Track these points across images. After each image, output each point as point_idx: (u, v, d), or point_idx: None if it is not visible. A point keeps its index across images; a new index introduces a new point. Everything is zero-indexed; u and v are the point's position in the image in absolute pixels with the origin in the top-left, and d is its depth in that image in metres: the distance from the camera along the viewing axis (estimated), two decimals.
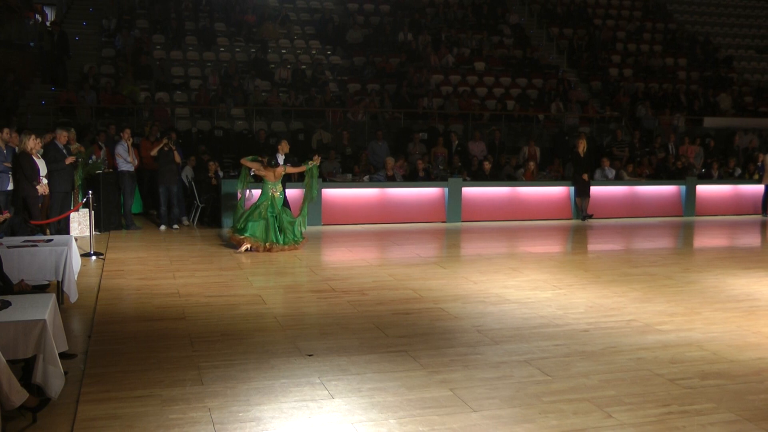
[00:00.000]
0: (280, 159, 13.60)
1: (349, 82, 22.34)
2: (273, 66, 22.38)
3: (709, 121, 23.63)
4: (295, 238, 12.65)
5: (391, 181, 16.71)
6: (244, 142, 18.83)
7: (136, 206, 15.74)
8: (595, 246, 14.42)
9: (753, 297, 9.59)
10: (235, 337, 7.56)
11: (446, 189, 16.63)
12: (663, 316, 8.49)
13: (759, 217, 18.63)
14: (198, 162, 16.36)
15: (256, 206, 12.56)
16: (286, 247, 12.47)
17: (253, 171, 12.79)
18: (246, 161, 12.78)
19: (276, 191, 12.59)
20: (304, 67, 22.51)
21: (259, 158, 12.79)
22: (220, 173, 16.08)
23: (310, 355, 6.87)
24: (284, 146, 13.93)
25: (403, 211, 16.45)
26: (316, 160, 13.08)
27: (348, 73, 23.00)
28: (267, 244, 12.37)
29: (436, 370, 6.52)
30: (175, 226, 14.98)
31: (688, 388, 6.19)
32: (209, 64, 22.22)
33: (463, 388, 6.10)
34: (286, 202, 13.06)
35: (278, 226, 12.50)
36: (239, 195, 13.07)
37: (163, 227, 14.82)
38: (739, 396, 6.04)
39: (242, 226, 12.46)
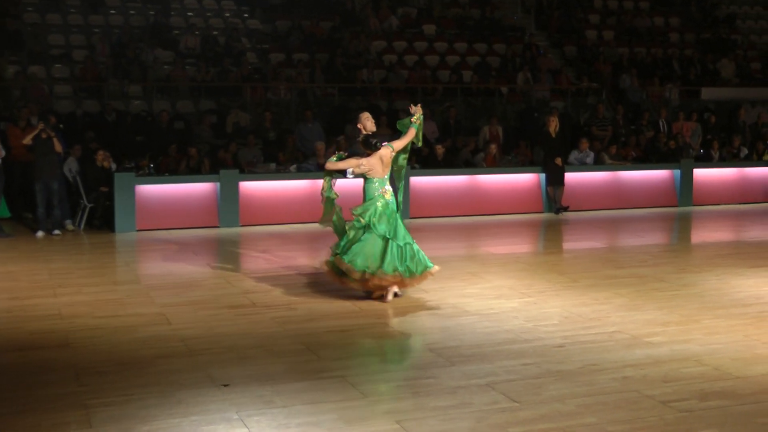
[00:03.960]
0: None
1: (271, 51, 22.25)
2: (177, 33, 22.22)
3: (707, 93, 23.94)
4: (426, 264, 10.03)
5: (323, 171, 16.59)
6: (143, 126, 18.61)
7: (3, 209, 15.47)
8: (571, 244, 14.57)
9: (763, 300, 9.75)
10: (132, 366, 7.46)
11: None
12: (654, 326, 8.58)
13: None
14: (84, 152, 16.12)
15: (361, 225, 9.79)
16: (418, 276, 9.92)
17: (352, 172, 9.99)
18: (333, 164, 10.04)
19: (387, 191, 9.92)
20: (215, 33, 22.39)
21: (343, 153, 10.31)
22: (113, 165, 15.86)
23: (225, 386, 6.82)
24: (367, 122, 10.23)
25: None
26: (418, 110, 10.03)
27: (270, 40, 22.92)
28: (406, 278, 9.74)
29: (380, 399, 6.54)
30: (57, 231, 14.76)
31: (685, 411, 6.26)
32: (97, 30, 21.92)
33: (412, 419, 6.09)
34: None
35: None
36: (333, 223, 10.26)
37: (40, 233, 14.58)
38: (746, 419, 6.12)
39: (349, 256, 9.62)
